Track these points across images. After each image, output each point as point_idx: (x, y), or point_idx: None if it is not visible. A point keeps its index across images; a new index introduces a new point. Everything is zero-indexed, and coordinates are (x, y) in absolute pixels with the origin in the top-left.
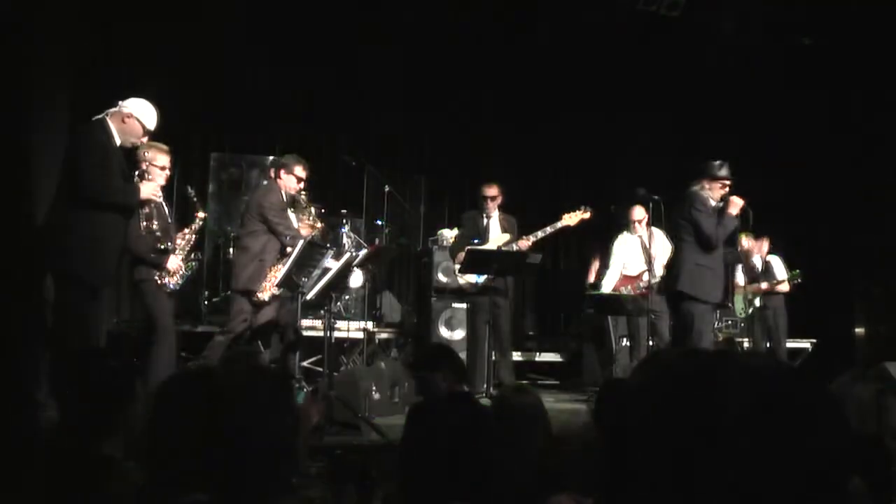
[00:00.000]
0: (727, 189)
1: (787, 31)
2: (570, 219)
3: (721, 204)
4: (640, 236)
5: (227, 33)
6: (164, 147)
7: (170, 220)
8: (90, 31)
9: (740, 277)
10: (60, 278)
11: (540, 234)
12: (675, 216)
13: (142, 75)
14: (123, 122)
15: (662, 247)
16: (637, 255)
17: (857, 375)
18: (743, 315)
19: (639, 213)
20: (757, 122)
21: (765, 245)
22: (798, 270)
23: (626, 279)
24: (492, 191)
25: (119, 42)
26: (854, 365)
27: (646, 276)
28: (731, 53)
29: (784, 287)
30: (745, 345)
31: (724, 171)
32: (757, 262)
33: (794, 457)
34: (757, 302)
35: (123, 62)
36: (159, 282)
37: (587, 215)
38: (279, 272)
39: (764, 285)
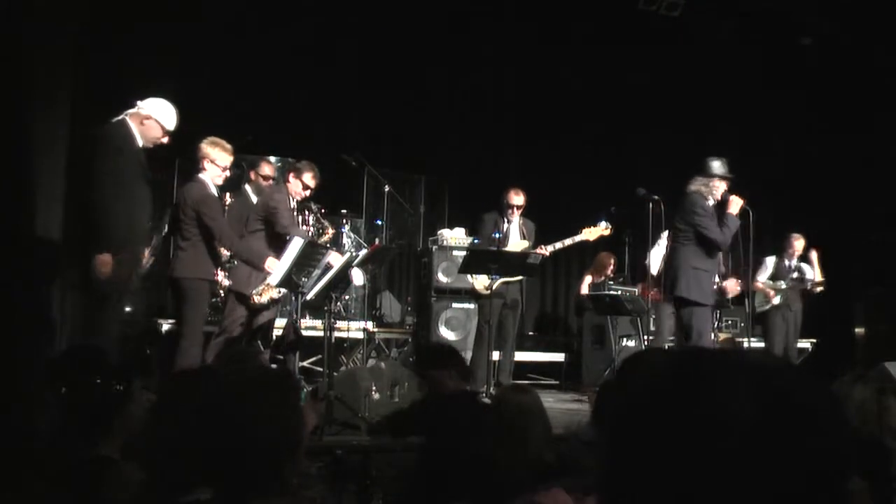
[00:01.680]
0: (727, 187)
1: (787, 31)
2: (590, 234)
3: (717, 202)
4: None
5: (227, 32)
6: (229, 147)
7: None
8: (90, 30)
9: (764, 275)
10: (83, 285)
11: (559, 245)
12: (676, 219)
13: (142, 74)
14: (142, 123)
15: None
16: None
17: (857, 375)
18: (760, 310)
19: None
20: (757, 121)
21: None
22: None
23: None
24: (520, 198)
25: (119, 41)
26: (854, 365)
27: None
28: (732, 53)
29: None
30: (746, 344)
31: (723, 170)
32: (791, 261)
33: (795, 456)
34: (777, 300)
35: (123, 61)
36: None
37: (607, 232)
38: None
39: (783, 284)
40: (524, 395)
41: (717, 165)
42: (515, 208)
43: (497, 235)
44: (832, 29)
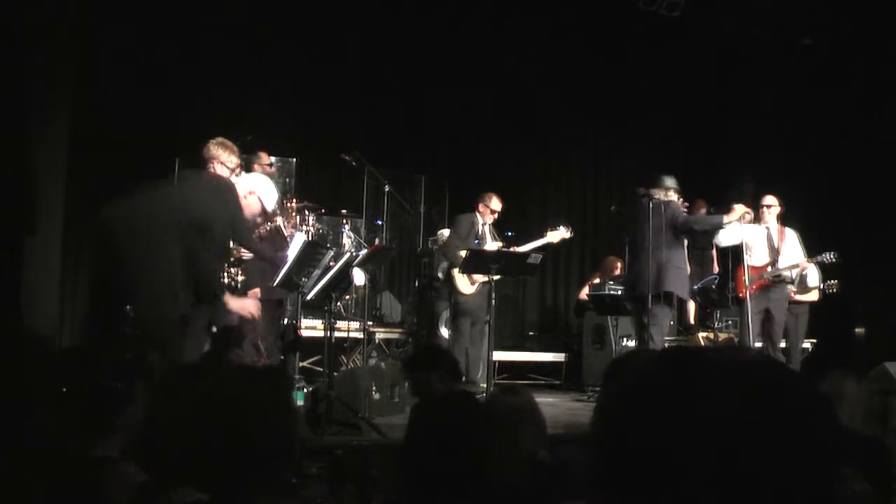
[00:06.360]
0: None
1: (787, 30)
2: (553, 236)
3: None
4: (767, 227)
5: (226, 32)
6: (236, 148)
7: None
8: (90, 30)
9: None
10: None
11: (529, 247)
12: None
13: (142, 73)
14: (245, 197)
15: (792, 245)
16: (762, 245)
17: (855, 375)
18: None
19: (770, 199)
20: (757, 121)
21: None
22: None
23: (751, 269)
24: (499, 205)
25: (118, 40)
26: (854, 365)
27: (769, 269)
28: (731, 53)
29: (814, 296)
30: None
31: (676, 184)
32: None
33: (785, 449)
34: None
35: (122, 61)
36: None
37: (568, 235)
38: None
39: (791, 288)
40: (516, 396)
41: (671, 180)
42: (496, 213)
43: (476, 242)
44: (834, 28)
